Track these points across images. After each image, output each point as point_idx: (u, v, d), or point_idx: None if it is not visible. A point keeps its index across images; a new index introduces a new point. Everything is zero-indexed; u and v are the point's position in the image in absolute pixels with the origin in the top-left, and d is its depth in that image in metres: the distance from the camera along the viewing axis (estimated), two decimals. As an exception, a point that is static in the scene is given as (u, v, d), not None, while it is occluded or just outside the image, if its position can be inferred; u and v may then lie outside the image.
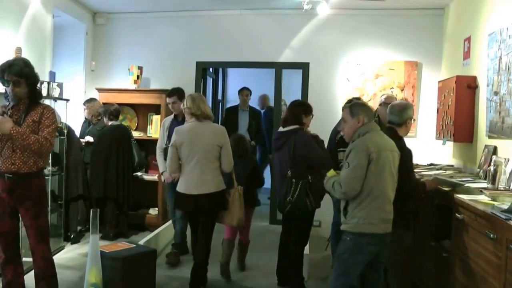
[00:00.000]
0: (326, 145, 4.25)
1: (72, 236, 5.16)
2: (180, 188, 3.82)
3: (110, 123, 5.44)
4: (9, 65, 3.09)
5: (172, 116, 4.87)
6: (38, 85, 3.33)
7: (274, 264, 4.12)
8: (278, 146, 3.91)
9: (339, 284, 2.98)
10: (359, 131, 3.01)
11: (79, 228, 5.37)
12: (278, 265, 4.06)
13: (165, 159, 4.58)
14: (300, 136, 3.81)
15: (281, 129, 3.97)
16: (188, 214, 4.04)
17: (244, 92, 7.09)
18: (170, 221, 5.12)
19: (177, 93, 4.81)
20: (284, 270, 4.00)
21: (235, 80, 8.54)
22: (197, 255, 3.90)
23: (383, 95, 4.77)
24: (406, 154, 3.23)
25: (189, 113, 3.83)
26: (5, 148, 3.07)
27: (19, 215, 3.20)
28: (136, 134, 5.97)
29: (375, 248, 2.92)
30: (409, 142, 3.54)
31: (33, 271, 3.24)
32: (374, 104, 5.66)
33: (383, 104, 4.27)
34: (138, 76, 6.20)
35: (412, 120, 3.45)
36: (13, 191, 3.11)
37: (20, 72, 3.07)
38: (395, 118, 3.34)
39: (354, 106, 3.11)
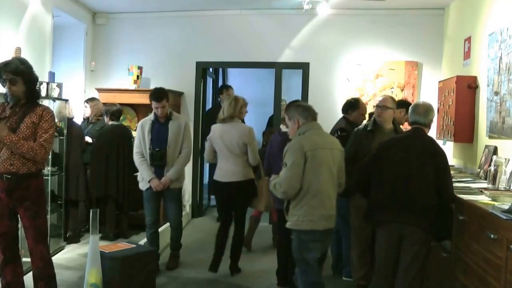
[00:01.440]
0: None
1: (68, 235, 5.14)
2: (216, 177, 4.31)
3: (110, 123, 5.44)
4: (5, 63, 3.09)
5: (152, 117, 4.33)
6: (37, 85, 3.32)
7: (274, 264, 4.11)
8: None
9: (302, 282, 3.12)
10: (299, 131, 3.13)
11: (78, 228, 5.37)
12: (278, 266, 4.05)
13: (153, 165, 4.25)
14: None
15: (285, 129, 3.93)
16: (222, 201, 4.44)
17: (230, 90, 6.40)
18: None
19: (166, 95, 4.27)
20: (284, 270, 3.99)
21: (235, 80, 8.54)
22: (234, 241, 4.38)
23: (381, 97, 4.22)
24: (445, 158, 3.11)
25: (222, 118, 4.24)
26: (3, 149, 3.06)
27: (18, 215, 3.19)
28: (136, 134, 5.96)
29: (320, 244, 3.05)
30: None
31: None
32: (374, 104, 5.67)
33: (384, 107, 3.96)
34: (138, 76, 6.19)
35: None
36: (12, 191, 3.10)
37: (16, 70, 3.06)
38: (421, 119, 3.17)
39: (290, 109, 3.26)
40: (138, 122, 6.40)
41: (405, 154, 3.08)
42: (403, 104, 4.62)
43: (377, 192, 3.19)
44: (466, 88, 4.52)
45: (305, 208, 2.97)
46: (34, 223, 3.15)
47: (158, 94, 4.21)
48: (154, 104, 4.22)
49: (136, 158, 4.33)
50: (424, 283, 3.18)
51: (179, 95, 6.38)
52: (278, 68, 6.29)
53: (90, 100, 5.74)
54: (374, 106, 4.04)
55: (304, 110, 3.17)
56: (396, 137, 3.46)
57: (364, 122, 4.29)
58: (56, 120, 4.67)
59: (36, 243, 3.16)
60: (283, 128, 4.00)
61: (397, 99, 5.39)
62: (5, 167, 3.06)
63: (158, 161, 4.24)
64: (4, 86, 3.10)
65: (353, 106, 4.44)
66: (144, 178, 4.28)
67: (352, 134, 4.01)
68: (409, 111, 3.29)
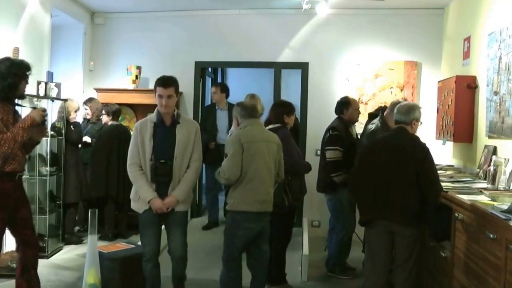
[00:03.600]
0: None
1: (66, 237, 5.13)
2: None
3: (110, 123, 5.44)
4: (24, 61, 3.28)
5: (154, 118, 3.39)
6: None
7: None
8: None
9: (224, 256, 3.50)
10: (240, 126, 3.55)
11: (77, 228, 5.36)
12: None
13: (155, 180, 3.31)
14: (280, 133, 3.86)
15: (270, 126, 4.00)
16: None
17: (212, 88, 6.15)
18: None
19: (175, 84, 3.40)
20: (269, 267, 4.03)
21: (234, 80, 8.53)
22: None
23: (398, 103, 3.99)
24: (425, 153, 3.11)
25: None
26: (15, 149, 3.13)
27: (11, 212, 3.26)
28: (131, 140, 5.93)
29: (253, 224, 3.37)
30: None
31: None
32: (375, 104, 5.67)
33: None
34: (136, 76, 6.18)
35: (420, 122, 3.35)
36: (21, 187, 3.31)
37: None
38: (402, 118, 3.27)
39: (233, 109, 3.71)
40: (137, 122, 6.43)
41: (387, 152, 3.16)
42: None
43: (363, 193, 3.25)
44: (466, 88, 4.51)
45: (241, 192, 3.35)
46: (31, 214, 3.35)
47: (166, 80, 3.36)
48: (159, 91, 3.32)
49: (132, 171, 3.35)
50: (421, 278, 3.21)
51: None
52: (277, 68, 6.28)
53: (89, 101, 5.70)
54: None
55: (242, 109, 3.58)
56: (379, 137, 3.52)
57: (375, 121, 4.24)
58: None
59: (33, 232, 3.35)
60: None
61: (396, 99, 5.43)
62: (22, 166, 3.24)
63: (163, 177, 3.31)
64: (26, 84, 3.25)
65: (346, 104, 4.49)
66: (142, 197, 3.32)
67: (367, 138, 4.05)
68: (394, 111, 3.39)
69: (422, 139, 3.28)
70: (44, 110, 3.21)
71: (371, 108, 5.53)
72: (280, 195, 3.79)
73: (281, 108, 4.12)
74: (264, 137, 3.47)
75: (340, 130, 4.32)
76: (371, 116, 4.65)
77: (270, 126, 3.95)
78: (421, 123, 3.41)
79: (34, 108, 3.38)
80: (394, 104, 3.87)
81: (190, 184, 3.41)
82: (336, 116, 4.54)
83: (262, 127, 3.63)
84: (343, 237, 4.39)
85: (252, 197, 3.34)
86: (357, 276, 4.44)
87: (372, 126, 4.17)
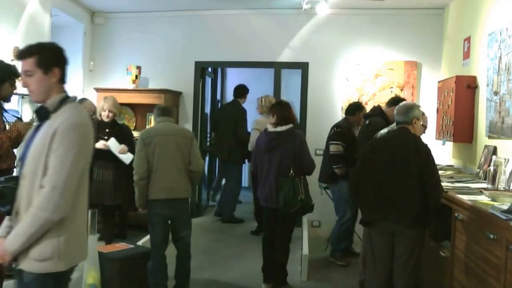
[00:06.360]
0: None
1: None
2: None
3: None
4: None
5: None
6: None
7: (259, 261, 4.13)
8: (273, 146, 3.93)
9: (150, 245, 3.69)
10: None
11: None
12: (263, 262, 4.07)
13: None
14: (299, 136, 3.97)
15: (272, 129, 3.97)
16: None
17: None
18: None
19: (40, 52, 2.00)
20: (269, 266, 4.05)
21: (234, 80, 8.52)
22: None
23: None
24: (427, 154, 3.11)
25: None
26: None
27: None
28: (134, 134, 5.93)
29: (163, 211, 3.59)
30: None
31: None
32: (374, 104, 5.66)
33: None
34: (136, 76, 6.17)
35: (420, 121, 3.34)
36: None
37: None
38: (402, 118, 3.27)
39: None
40: (136, 122, 6.45)
41: (389, 152, 3.15)
42: (396, 101, 4.61)
43: (365, 193, 3.23)
44: (466, 88, 4.50)
45: (152, 182, 3.58)
46: None
47: (23, 49, 2.03)
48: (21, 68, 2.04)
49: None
50: (421, 278, 3.19)
51: (177, 95, 6.36)
52: (277, 67, 6.28)
53: (80, 102, 5.65)
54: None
55: (156, 109, 3.87)
56: (381, 137, 3.50)
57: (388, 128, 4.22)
58: None
59: None
60: (269, 127, 4.01)
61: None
62: (15, 163, 3.29)
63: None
64: (10, 87, 3.32)
65: (360, 108, 4.93)
66: None
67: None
68: (394, 112, 3.40)
69: (422, 140, 3.26)
70: (31, 124, 3.30)
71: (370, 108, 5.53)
72: (309, 198, 3.91)
73: (289, 108, 4.10)
74: (170, 131, 3.69)
75: (344, 128, 4.75)
76: (366, 116, 4.68)
77: (284, 128, 3.92)
78: (426, 127, 3.40)
79: (19, 118, 3.39)
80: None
81: (29, 226, 1.89)
82: (344, 117, 4.97)
83: (169, 123, 3.79)
84: (341, 226, 4.77)
85: (158, 186, 3.57)
86: (350, 265, 4.67)
87: (386, 130, 4.12)
